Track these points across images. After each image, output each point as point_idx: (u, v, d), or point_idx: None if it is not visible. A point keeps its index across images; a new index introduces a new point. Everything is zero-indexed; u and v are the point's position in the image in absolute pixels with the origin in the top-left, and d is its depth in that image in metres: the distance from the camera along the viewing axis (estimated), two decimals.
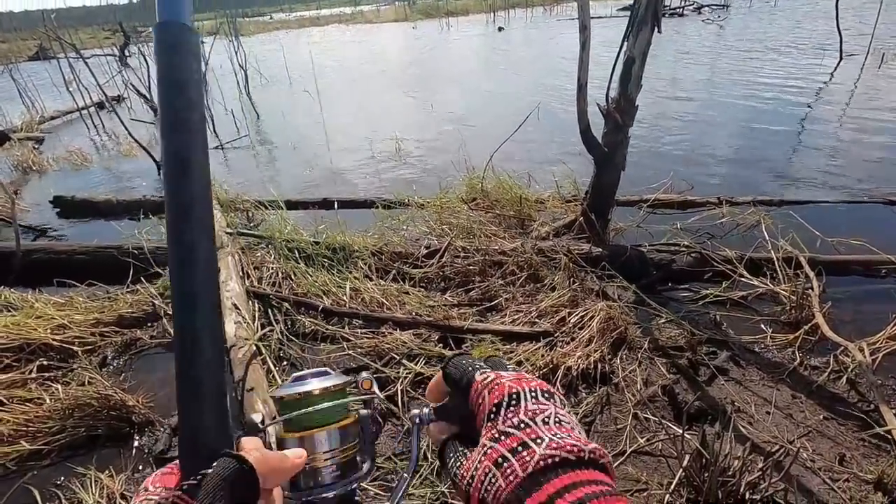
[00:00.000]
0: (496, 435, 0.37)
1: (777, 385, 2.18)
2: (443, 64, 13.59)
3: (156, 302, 2.85)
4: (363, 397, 0.48)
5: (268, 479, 0.38)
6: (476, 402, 0.41)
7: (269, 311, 2.73)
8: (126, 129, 5.84)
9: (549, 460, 0.34)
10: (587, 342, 2.34)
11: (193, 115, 0.38)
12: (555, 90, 8.31)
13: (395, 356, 2.36)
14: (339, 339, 2.52)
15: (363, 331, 2.57)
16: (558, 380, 2.14)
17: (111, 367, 2.53)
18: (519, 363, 2.24)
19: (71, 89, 8.05)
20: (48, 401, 2.14)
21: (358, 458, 0.46)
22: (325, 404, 0.44)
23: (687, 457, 1.62)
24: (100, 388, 2.15)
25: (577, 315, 2.50)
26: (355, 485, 0.45)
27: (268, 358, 2.29)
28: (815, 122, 6.29)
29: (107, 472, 1.91)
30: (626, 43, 3.02)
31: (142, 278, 3.07)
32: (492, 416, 0.39)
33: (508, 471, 0.35)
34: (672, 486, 1.62)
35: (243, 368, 2.10)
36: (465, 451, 0.40)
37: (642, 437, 1.92)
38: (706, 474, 1.58)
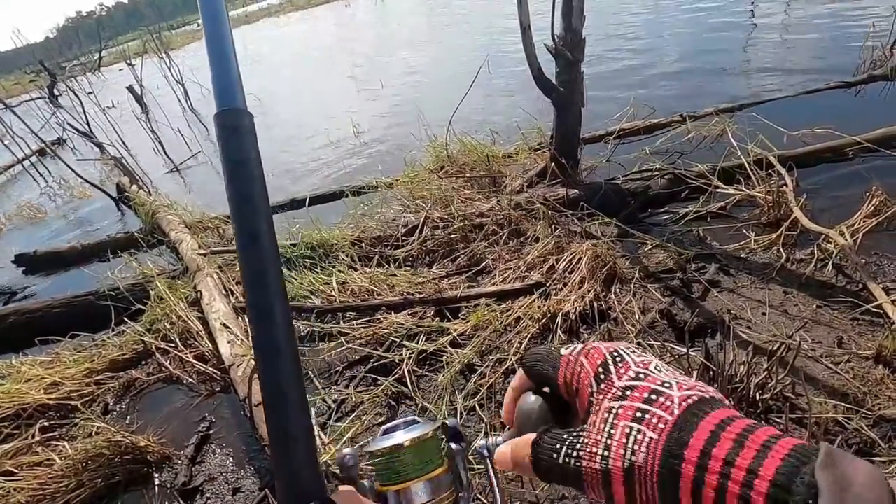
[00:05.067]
0: (619, 392, 0.33)
1: (768, 285, 2.22)
2: (383, 36, 13.17)
3: (144, 339, 2.78)
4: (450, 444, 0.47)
5: None
6: (573, 376, 0.37)
7: None
8: (74, 171, 5.60)
9: (690, 400, 0.31)
10: (579, 284, 2.35)
11: (256, 189, 0.41)
12: (501, 40, 8.12)
13: (395, 339, 2.35)
14: (336, 334, 2.49)
15: (358, 322, 2.54)
16: (558, 327, 2.15)
17: (115, 412, 2.48)
18: (517, 319, 2.24)
19: (6, 142, 7.66)
20: (58, 460, 2.09)
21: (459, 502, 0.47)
22: (415, 456, 0.44)
23: (694, 373, 1.64)
24: (108, 435, 2.11)
25: (564, 260, 2.50)
26: None
27: None
28: (761, 22, 6.25)
29: None
30: None
31: (125, 318, 2.99)
32: (601, 377, 0.35)
33: (654, 420, 0.31)
34: None
35: (246, 385, 2.07)
36: (574, 431, 0.35)
37: None
38: (715, 385, 1.62)
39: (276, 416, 0.39)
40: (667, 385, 0.32)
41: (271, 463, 0.39)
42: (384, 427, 0.47)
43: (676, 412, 0.30)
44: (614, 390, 0.33)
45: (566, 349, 0.39)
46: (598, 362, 0.35)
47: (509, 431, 0.43)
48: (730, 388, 1.59)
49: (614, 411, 0.32)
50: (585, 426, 0.34)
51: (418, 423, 0.46)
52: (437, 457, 0.44)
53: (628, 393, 0.33)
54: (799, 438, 0.27)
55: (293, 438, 0.39)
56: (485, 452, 0.45)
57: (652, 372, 0.34)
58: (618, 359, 0.35)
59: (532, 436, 0.37)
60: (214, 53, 0.44)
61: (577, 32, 2.99)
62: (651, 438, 0.30)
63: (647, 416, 0.31)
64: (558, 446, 0.34)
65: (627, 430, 0.31)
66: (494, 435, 0.45)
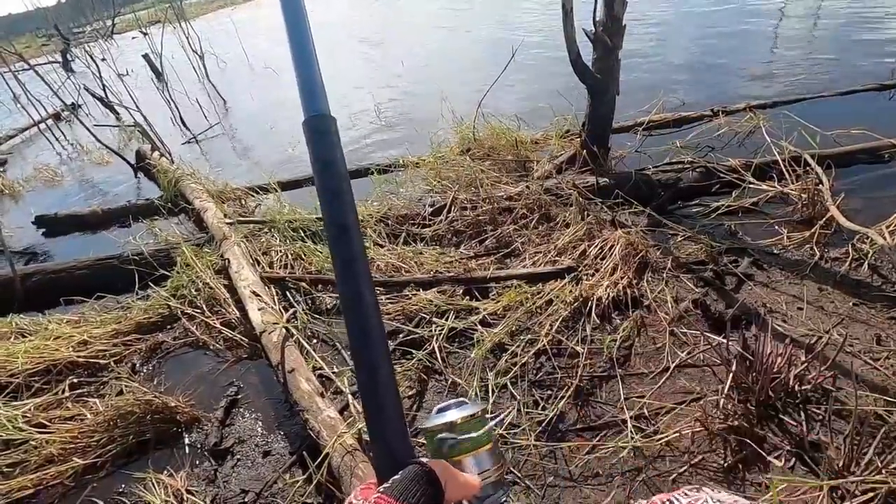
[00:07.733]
0: None
1: (802, 282, 2.21)
2: (406, 15, 13.02)
3: (171, 304, 2.79)
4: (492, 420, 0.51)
5: (448, 485, 0.41)
6: None
7: (287, 293, 2.70)
8: (94, 135, 5.58)
9: None
10: (612, 271, 2.35)
11: (343, 185, 0.45)
12: (522, 27, 8.02)
13: (425, 315, 2.35)
14: None
15: (386, 297, 2.55)
16: (591, 311, 2.16)
17: (141, 373, 2.51)
18: (549, 301, 2.25)
19: (22, 104, 7.62)
20: (89, 416, 2.13)
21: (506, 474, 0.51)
22: (471, 433, 0.48)
23: (734, 362, 1.65)
24: (138, 394, 2.14)
25: (596, 247, 2.50)
26: (504, 498, 0.49)
27: (300, 338, 2.28)
28: (789, 17, 6.16)
29: (165, 472, 1.92)
30: None
31: (149, 283, 3.01)
32: None
33: None
34: (724, 392, 1.67)
35: (279, 352, 2.09)
36: None
37: (682, 352, 1.95)
38: (753, 375, 1.62)
39: (370, 392, 0.43)
40: None
41: (368, 433, 0.44)
42: (437, 407, 0.51)
43: None
44: None
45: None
46: None
47: None
48: (769, 378, 1.59)
49: None
50: None
51: (467, 403, 0.50)
52: (485, 435, 0.48)
53: None
54: None
55: (387, 411, 0.42)
56: None
57: None
58: None
59: None
60: (299, 62, 0.47)
61: (618, 19, 2.95)
62: None
63: None
64: None
65: None
66: None
